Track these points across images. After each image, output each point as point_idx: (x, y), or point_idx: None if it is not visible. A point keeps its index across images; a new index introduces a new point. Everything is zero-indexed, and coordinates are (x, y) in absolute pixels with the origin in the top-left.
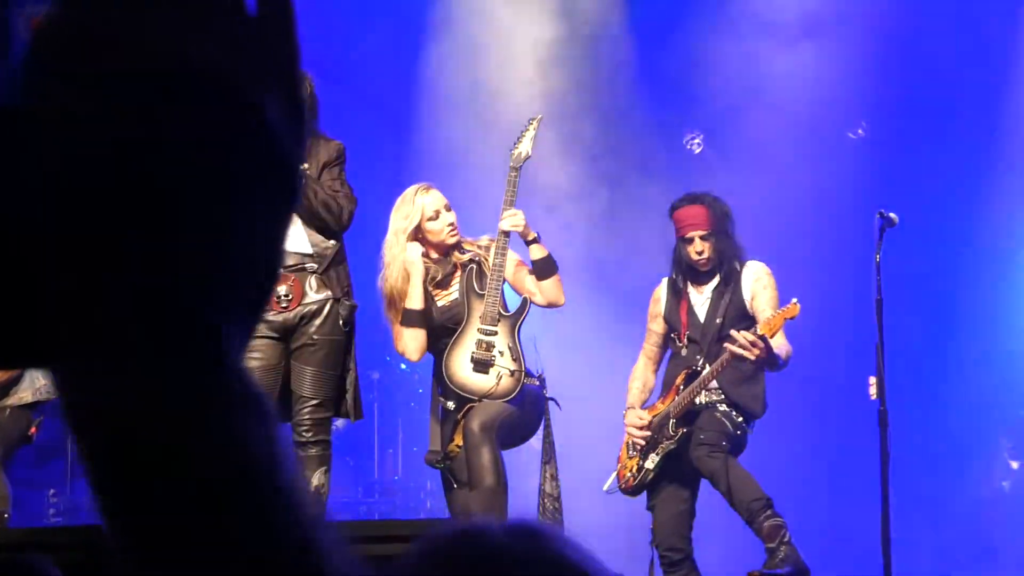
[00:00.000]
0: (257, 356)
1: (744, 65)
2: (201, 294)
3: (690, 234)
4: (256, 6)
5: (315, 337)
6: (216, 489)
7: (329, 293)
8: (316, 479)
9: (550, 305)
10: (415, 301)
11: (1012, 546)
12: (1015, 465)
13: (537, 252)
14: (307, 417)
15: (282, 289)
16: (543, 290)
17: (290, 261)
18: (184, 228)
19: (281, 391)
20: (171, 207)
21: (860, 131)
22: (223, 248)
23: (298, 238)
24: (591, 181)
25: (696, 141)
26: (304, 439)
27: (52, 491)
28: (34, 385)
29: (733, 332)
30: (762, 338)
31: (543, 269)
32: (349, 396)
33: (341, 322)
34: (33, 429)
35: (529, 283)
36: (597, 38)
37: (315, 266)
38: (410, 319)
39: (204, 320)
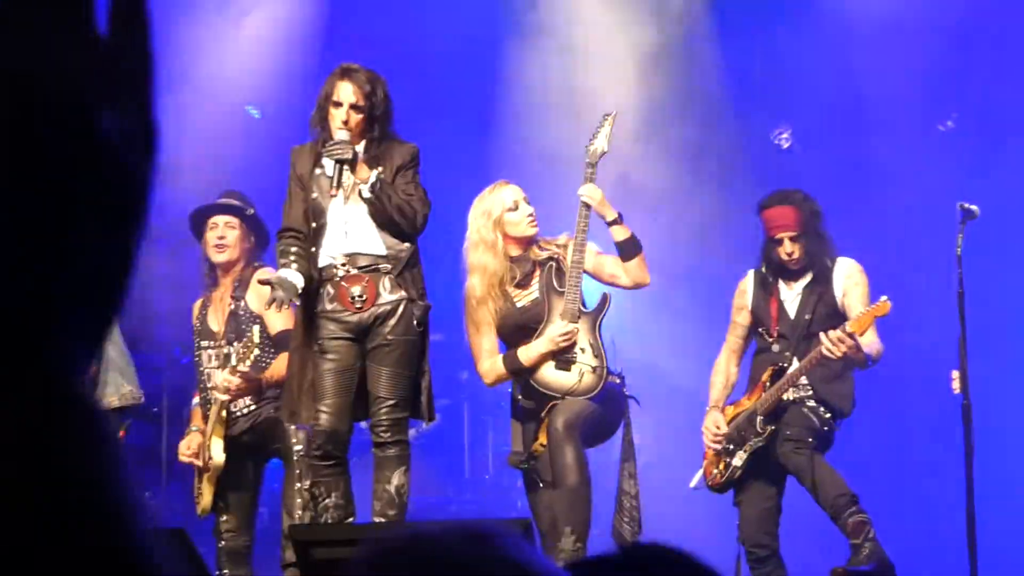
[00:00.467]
0: (333, 357)
1: (831, 61)
2: (27, 307)
3: (779, 235)
4: (109, 23)
5: (389, 338)
6: (46, 512)
7: (403, 294)
8: (396, 479)
9: (636, 286)
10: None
11: None
12: None
13: (620, 233)
14: (385, 418)
15: (356, 290)
16: (628, 271)
17: (364, 263)
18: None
19: (358, 391)
20: None
21: (949, 123)
22: (47, 260)
23: (372, 240)
24: (689, 183)
25: (784, 136)
26: (382, 440)
27: (148, 493)
28: (120, 391)
29: (822, 333)
30: (851, 335)
31: (628, 249)
32: (423, 398)
33: (415, 323)
34: (121, 433)
35: (610, 267)
36: (689, 40)
37: (389, 267)
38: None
39: (32, 332)
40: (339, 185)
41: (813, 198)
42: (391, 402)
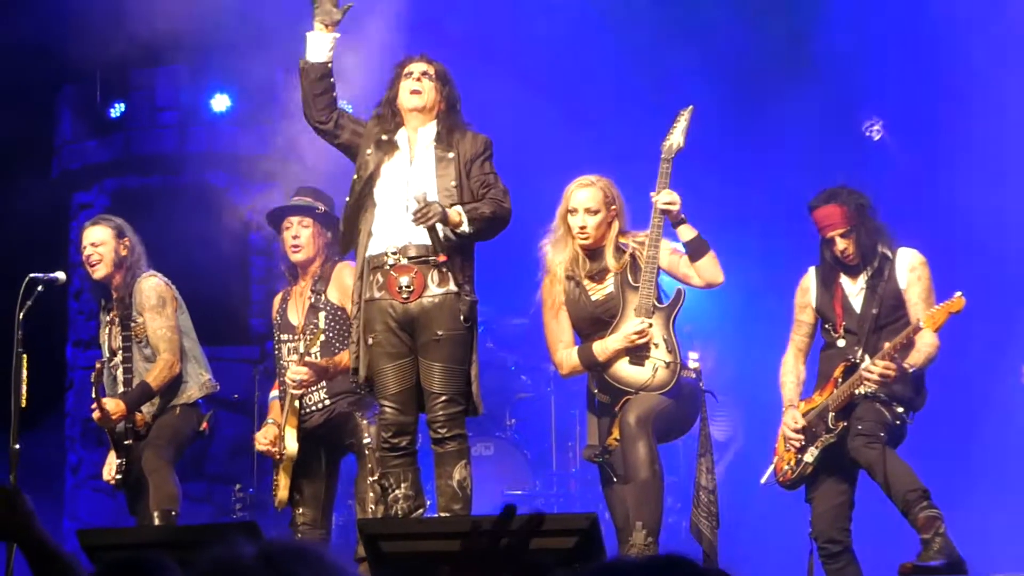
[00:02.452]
0: (387, 351)
1: (921, 51)
2: None
3: (830, 234)
4: None
5: (438, 333)
6: None
7: (451, 287)
8: (458, 473)
9: (708, 285)
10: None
11: None
12: None
13: (687, 232)
14: (440, 414)
15: (404, 280)
16: (700, 271)
17: (413, 253)
18: None
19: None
20: None
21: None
22: None
23: (423, 231)
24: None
25: (876, 128)
26: (440, 435)
27: (238, 486)
28: (199, 380)
29: (865, 368)
30: (894, 359)
31: (696, 249)
32: (474, 389)
33: (462, 317)
34: (204, 425)
35: (684, 267)
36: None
37: (438, 260)
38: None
39: None
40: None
41: (860, 191)
42: (445, 397)
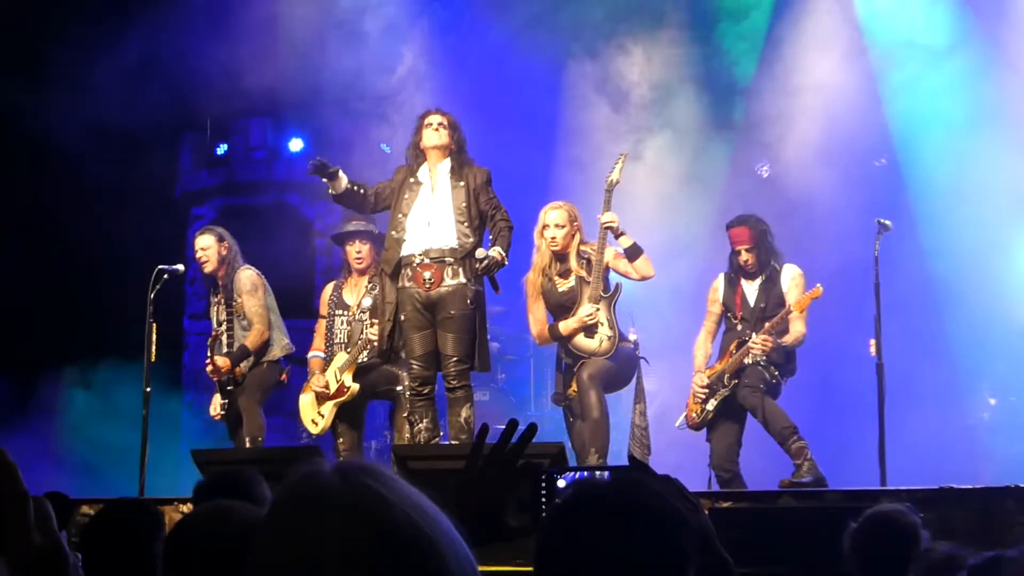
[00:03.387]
0: (415, 325)
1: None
2: None
3: (738, 248)
4: None
5: (451, 312)
6: None
7: (460, 280)
8: (464, 412)
9: (644, 278)
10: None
11: (992, 461)
12: (993, 401)
13: (625, 241)
14: (453, 369)
15: (427, 274)
16: (637, 268)
17: (435, 254)
18: None
19: (435, 349)
20: None
21: (883, 160)
22: None
23: (446, 235)
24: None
25: (764, 168)
26: (452, 385)
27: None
28: (281, 343)
29: (751, 341)
30: (773, 338)
31: (633, 252)
32: (485, 351)
33: (468, 301)
34: (283, 376)
35: (624, 266)
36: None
37: (452, 259)
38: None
39: None
40: (496, 285)
41: (763, 220)
42: (455, 358)
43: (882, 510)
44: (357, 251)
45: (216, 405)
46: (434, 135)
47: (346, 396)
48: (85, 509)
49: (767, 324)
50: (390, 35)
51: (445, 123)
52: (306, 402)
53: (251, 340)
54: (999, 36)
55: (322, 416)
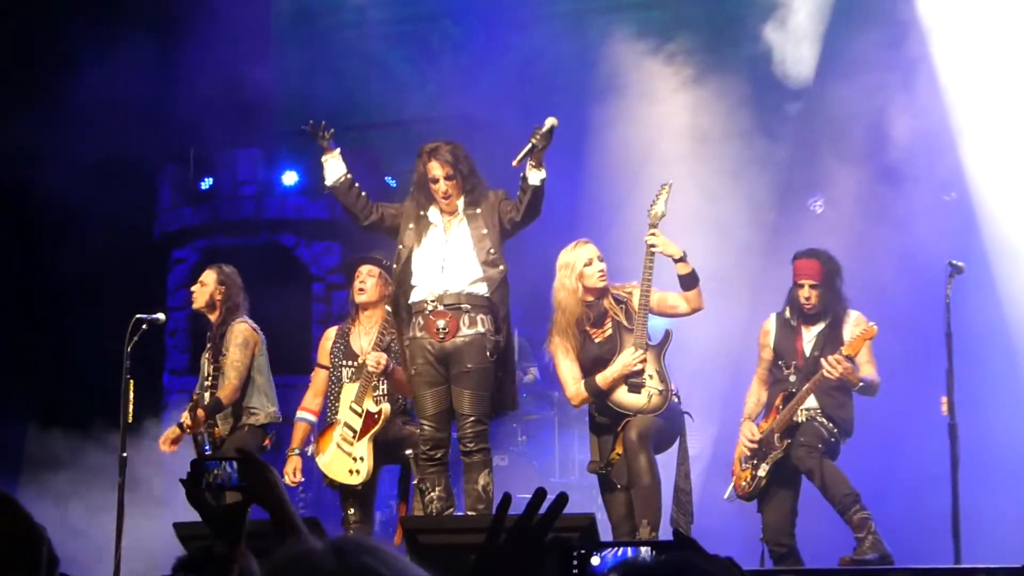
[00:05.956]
0: (427, 381)
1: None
2: None
3: (802, 281)
4: None
5: (468, 366)
6: None
7: (479, 329)
8: (482, 480)
9: (694, 311)
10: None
11: None
12: None
13: (684, 268)
14: (469, 431)
15: (441, 323)
16: (689, 299)
17: (449, 301)
18: None
19: (449, 407)
20: None
21: (953, 194)
22: None
23: (463, 278)
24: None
25: (818, 203)
26: (468, 448)
27: (301, 489)
28: (266, 410)
29: (823, 359)
30: (847, 358)
31: (689, 281)
32: (511, 391)
33: (488, 353)
34: (267, 442)
35: (672, 300)
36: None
37: (468, 307)
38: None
39: None
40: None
41: (836, 259)
42: (473, 418)
43: None
44: (361, 281)
45: (168, 439)
46: (440, 187)
47: (380, 423)
48: None
49: (843, 348)
50: (402, 61)
51: (445, 158)
52: (328, 459)
53: (224, 393)
54: None
55: (361, 460)
